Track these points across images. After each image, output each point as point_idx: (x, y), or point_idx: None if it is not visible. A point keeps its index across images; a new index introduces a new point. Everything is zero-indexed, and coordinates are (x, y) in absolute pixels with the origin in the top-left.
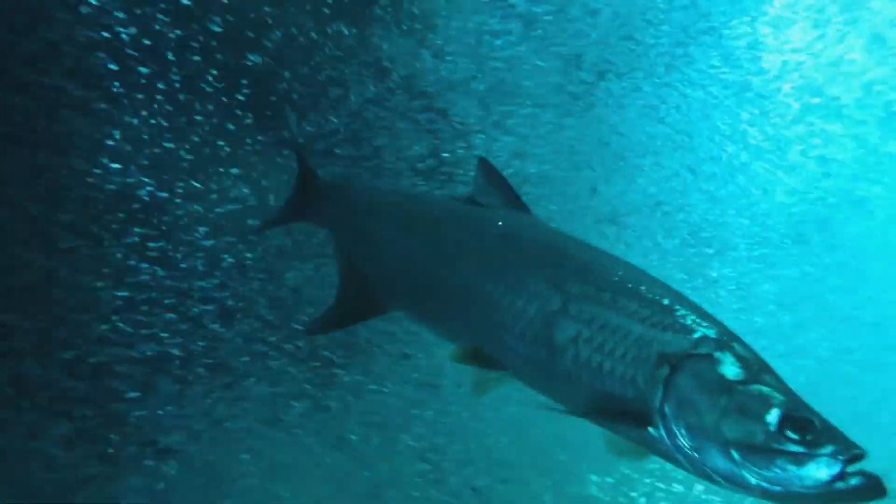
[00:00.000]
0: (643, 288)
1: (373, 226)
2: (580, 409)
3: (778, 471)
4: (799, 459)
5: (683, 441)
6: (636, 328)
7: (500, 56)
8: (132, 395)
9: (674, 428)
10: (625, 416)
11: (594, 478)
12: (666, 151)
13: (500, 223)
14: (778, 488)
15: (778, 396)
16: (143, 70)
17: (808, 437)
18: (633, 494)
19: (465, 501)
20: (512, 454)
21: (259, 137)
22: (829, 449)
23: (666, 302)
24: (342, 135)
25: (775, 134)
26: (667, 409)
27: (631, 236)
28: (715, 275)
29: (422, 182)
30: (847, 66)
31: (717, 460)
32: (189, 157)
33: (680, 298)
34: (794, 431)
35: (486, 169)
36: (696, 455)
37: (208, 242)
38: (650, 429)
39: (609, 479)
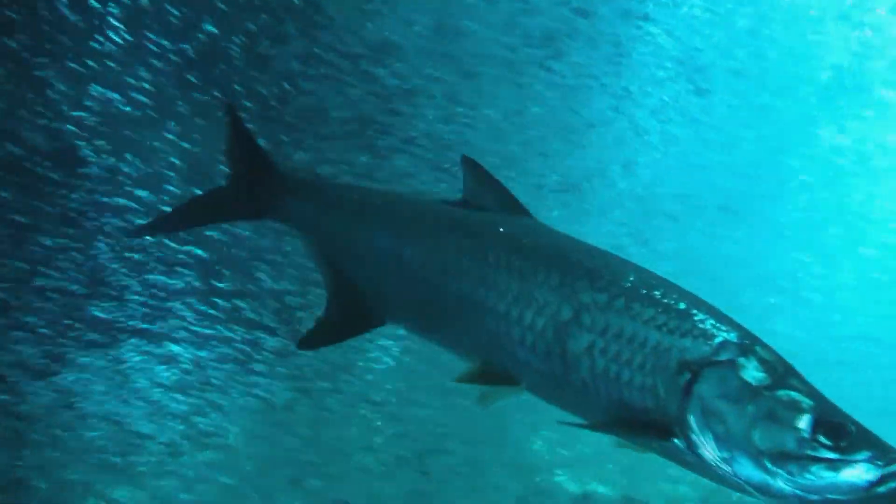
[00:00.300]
0: (657, 293)
1: (363, 232)
2: (599, 421)
3: (814, 478)
4: (835, 466)
5: (711, 452)
6: (653, 335)
7: (431, 23)
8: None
9: (700, 439)
10: (647, 427)
11: (528, 444)
12: (610, 123)
13: (502, 228)
14: (815, 496)
15: (808, 401)
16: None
17: (843, 443)
18: (564, 452)
19: (391, 468)
20: (441, 422)
21: (205, 97)
22: (865, 454)
23: (682, 306)
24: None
25: (713, 108)
26: (691, 420)
27: (578, 208)
28: (663, 247)
29: (345, 144)
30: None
31: (749, 471)
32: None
33: (696, 302)
34: (828, 437)
35: (473, 169)
36: (725, 466)
37: (121, 201)
38: (675, 440)
39: (538, 445)
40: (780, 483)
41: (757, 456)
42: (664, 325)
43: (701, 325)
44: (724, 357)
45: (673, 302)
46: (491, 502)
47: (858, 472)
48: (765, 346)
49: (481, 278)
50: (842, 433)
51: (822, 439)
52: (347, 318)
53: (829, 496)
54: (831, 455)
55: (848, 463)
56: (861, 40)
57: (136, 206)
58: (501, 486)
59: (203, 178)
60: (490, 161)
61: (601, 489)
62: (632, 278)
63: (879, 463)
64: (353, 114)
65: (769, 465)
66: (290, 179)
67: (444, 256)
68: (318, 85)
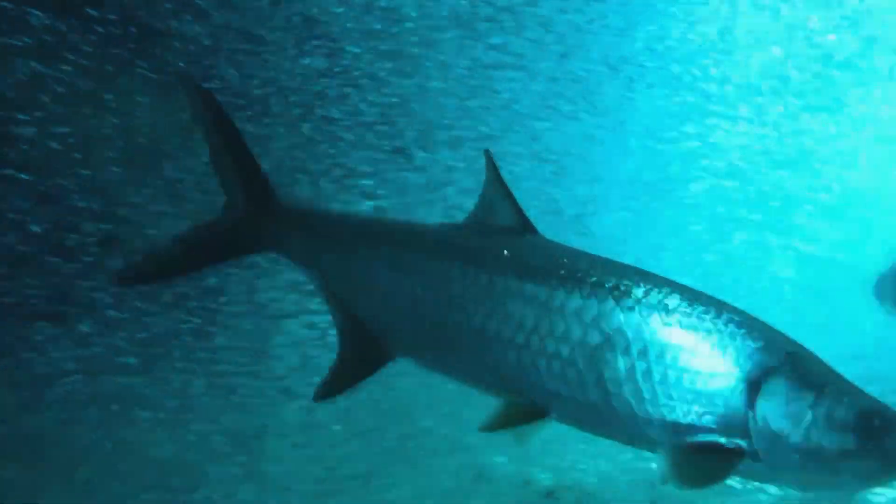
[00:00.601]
0: (690, 306)
1: (365, 265)
2: (670, 457)
3: (877, 468)
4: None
5: (780, 460)
6: (699, 349)
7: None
8: None
9: (768, 449)
10: (715, 451)
11: (464, 429)
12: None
13: (509, 251)
14: (877, 481)
15: (858, 396)
16: None
17: None
18: (502, 436)
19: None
20: (374, 406)
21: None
22: None
23: (718, 317)
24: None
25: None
26: (757, 432)
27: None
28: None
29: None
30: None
31: (817, 471)
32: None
33: (729, 309)
34: (885, 426)
35: (491, 168)
36: (793, 471)
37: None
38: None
39: (474, 429)
40: (846, 476)
41: (823, 456)
42: (708, 339)
43: (743, 334)
44: (774, 364)
45: (710, 314)
46: (426, 486)
47: None
48: (802, 346)
49: (494, 308)
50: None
51: (879, 428)
52: (359, 355)
53: (889, 478)
54: (891, 444)
55: None
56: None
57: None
58: (436, 471)
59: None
60: (410, 137)
61: (539, 474)
62: (661, 291)
63: None
64: (276, 92)
65: (835, 464)
66: (289, 208)
67: (451, 287)
68: (245, 59)
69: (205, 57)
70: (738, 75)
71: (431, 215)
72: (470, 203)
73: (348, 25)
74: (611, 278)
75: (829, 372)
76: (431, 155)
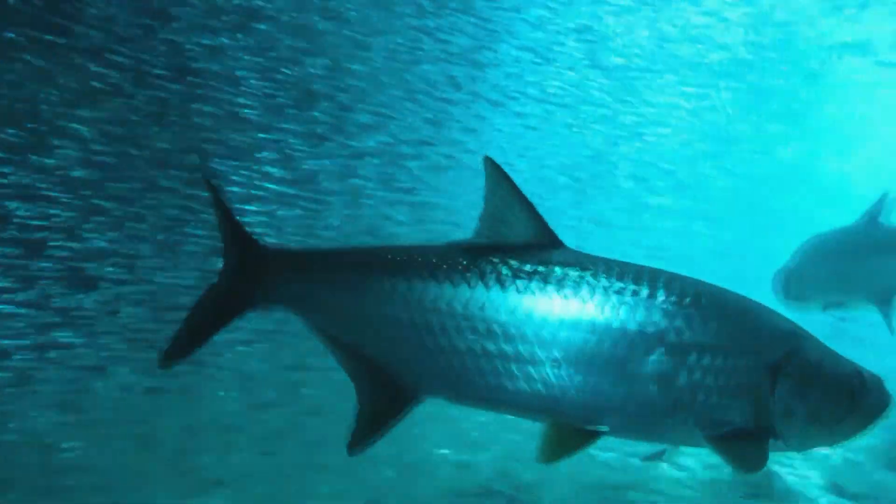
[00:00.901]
0: (723, 307)
1: (376, 299)
2: (699, 443)
3: (858, 422)
4: (878, 410)
5: (792, 434)
6: (735, 348)
7: None
8: None
9: (787, 430)
10: (748, 436)
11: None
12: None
13: (542, 268)
14: (859, 432)
15: (843, 367)
16: None
17: (877, 386)
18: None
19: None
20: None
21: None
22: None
23: (745, 314)
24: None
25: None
26: (778, 416)
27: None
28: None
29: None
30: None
31: (822, 439)
32: None
33: (746, 301)
34: (860, 389)
35: (495, 174)
36: (804, 443)
37: None
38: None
39: (418, 421)
40: (838, 435)
41: (823, 423)
42: (741, 337)
43: (765, 326)
44: (787, 349)
45: (738, 312)
46: (361, 478)
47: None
48: (799, 325)
49: (538, 333)
50: (872, 381)
51: (857, 391)
52: (380, 401)
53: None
54: (876, 403)
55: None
56: None
57: None
58: (371, 463)
59: None
60: (322, 120)
61: (475, 464)
62: (696, 296)
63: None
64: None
65: (830, 427)
66: (279, 258)
67: (478, 316)
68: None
69: (113, 27)
70: (664, 66)
71: (339, 203)
72: (378, 190)
73: (258, 2)
74: (653, 287)
75: (821, 345)
76: (344, 140)
